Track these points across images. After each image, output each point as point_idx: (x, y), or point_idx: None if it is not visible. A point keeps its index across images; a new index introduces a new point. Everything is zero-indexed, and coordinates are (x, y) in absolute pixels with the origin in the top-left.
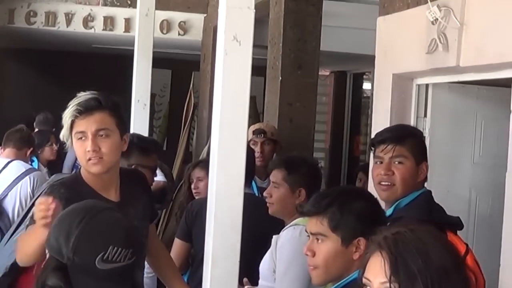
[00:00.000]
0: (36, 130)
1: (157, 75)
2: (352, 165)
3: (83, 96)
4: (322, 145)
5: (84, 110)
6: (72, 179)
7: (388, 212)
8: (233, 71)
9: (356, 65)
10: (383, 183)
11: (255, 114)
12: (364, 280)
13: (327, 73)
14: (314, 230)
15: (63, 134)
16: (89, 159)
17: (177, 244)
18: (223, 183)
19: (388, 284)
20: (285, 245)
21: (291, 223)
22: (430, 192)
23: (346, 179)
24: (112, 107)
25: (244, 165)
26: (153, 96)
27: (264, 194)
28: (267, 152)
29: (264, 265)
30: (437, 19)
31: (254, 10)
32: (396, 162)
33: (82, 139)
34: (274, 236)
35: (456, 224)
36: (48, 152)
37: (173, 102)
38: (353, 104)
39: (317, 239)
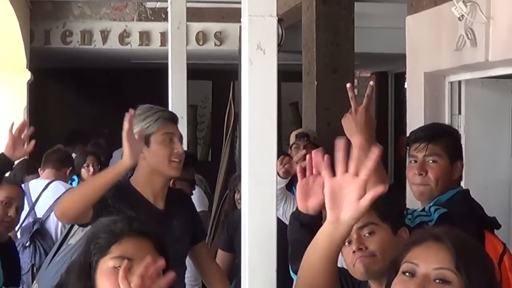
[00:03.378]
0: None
1: (198, 87)
2: (398, 164)
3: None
4: None
5: (174, 118)
6: (122, 184)
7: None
8: (259, 80)
9: (396, 65)
10: (417, 183)
11: (298, 120)
12: (407, 266)
13: (368, 75)
14: (365, 221)
15: (141, 129)
16: (174, 161)
17: (221, 255)
18: (255, 193)
19: (442, 270)
20: None
21: None
22: (467, 190)
23: (393, 179)
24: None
25: (275, 174)
26: (195, 108)
27: None
28: None
29: None
30: (463, 15)
31: (277, 18)
32: (430, 161)
33: (170, 140)
34: None
35: (494, 223)
36: (84, 174)
37: (216, 113)
38: (396, 103)
39: (365, 234)
